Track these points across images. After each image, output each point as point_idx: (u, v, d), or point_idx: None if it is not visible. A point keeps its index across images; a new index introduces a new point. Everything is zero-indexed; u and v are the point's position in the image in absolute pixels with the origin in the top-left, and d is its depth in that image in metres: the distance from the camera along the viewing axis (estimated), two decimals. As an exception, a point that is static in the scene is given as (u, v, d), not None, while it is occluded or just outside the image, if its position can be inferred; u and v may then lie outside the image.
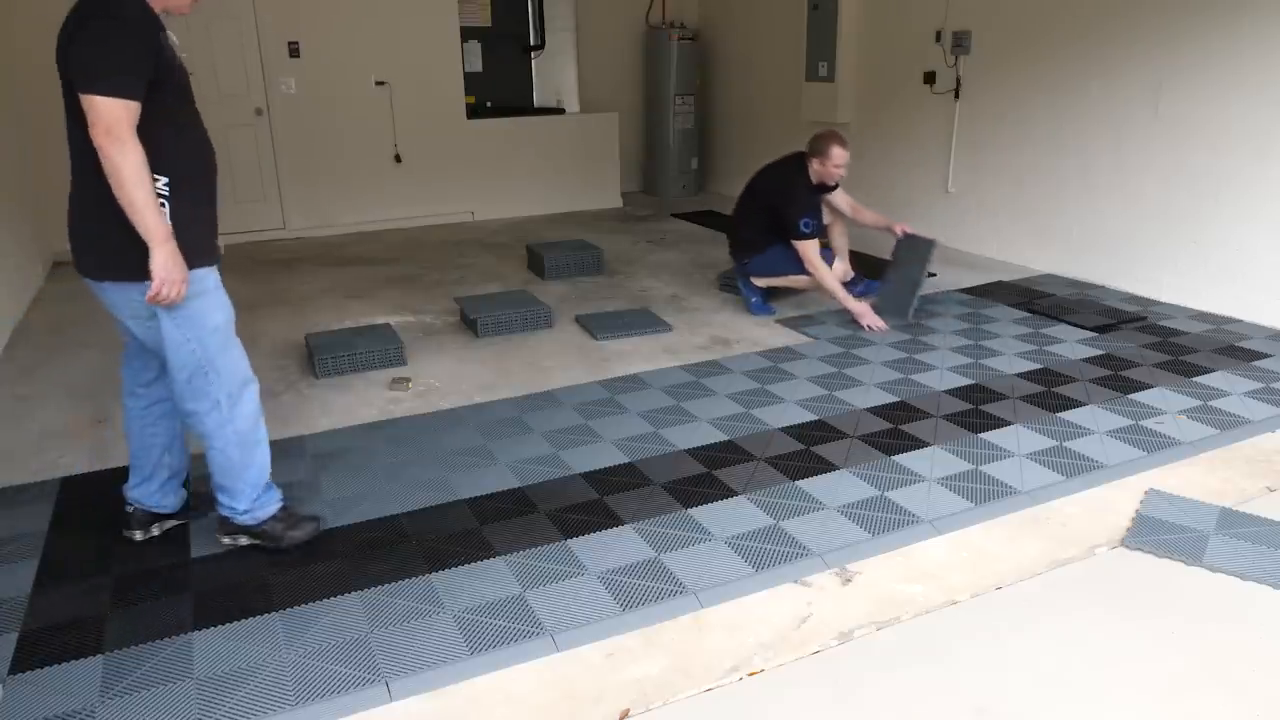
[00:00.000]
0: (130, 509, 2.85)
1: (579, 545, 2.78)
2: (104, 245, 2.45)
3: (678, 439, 3.51)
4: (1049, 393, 3.90)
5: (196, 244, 2.48)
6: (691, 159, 9.08)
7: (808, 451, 3.39)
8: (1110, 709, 2.11)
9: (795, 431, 3.56)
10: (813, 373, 4.18)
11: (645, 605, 2.48)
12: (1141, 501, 3.02)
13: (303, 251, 6.98)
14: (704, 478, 3.19)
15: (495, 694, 2.19)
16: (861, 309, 4.80)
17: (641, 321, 4.95)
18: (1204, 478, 3.19)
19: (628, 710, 2.13)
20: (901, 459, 3.32)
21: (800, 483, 3.14)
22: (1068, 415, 3.67)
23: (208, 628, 2.42)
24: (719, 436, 3.53)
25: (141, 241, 2.37)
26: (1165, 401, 3.79)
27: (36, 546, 2.83)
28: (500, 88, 8.49)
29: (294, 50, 7.21)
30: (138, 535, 2.84)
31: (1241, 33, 4.65)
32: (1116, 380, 4.03)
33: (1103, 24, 5.33)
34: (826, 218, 5.15)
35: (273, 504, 2.77)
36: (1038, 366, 4.22)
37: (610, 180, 8.66)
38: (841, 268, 5.26)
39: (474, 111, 8.09)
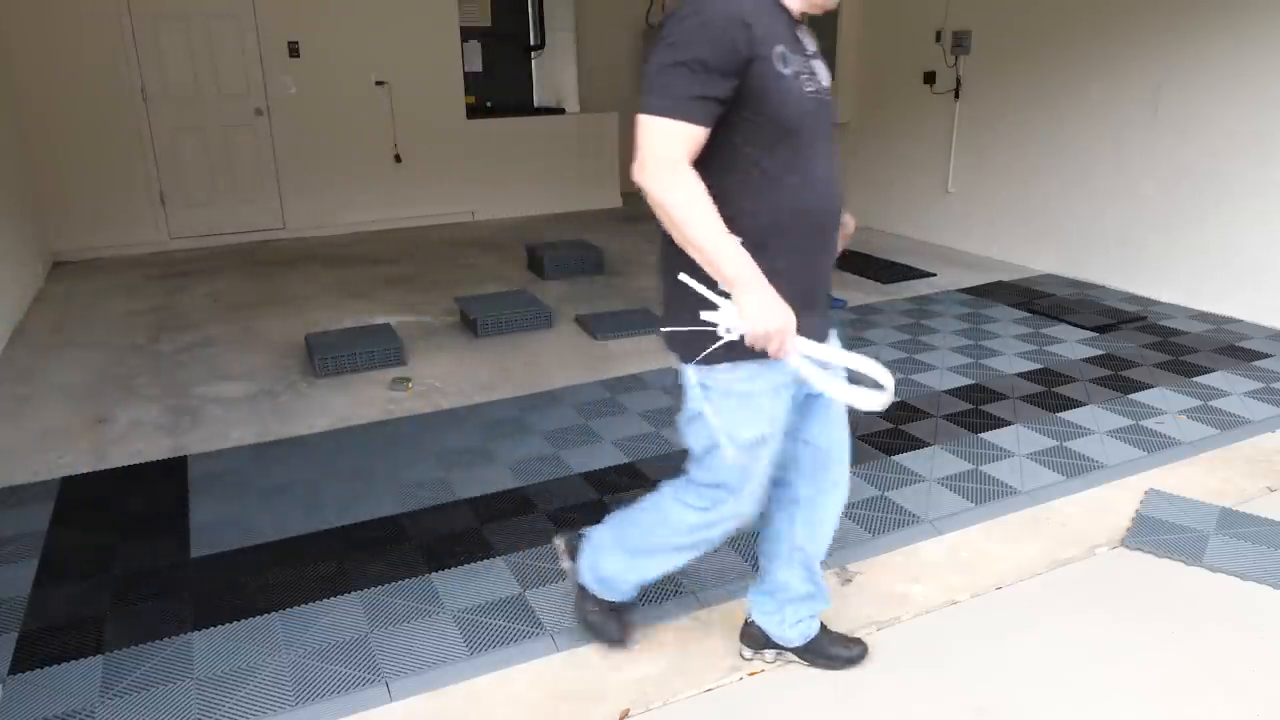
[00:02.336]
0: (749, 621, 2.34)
1: (579, 545, 2.78)
2: (664, 296, 1.97)
3: (678, 439, 3.50)
4: (1049, 393, 3.90)
5: None
6: (691, 159, 9.07)
7: (808, 451, 3.38)
8: (1110, 709, 2.11)
9: (795, 431, 3.56)
10: (813, 373, 4.18)
11: (644, 605, 2.48)
12: (1141, 501, 3.02)
13: (303, 251, 6.97)
14: (704, 478, 3.19)
15: (495, 694, 2.19)
16: None
17: (641, 321, 4.95)
18: (1204, 478, 3.19)
19: (628, 710, 2.13)
20: (901, 459, 3.32)
21: (800, 483, 3.14)
22: (1068, 415, 3.67)
23: (208, 628, 2.42)
24: (719, 436, 3.52)
25: (681, 306, 1.90)
26: (1165, 401, 3.79)
27: (36, 546, 2.83)
28: (500, 88, 8.50)
29: (294, 50, 7.21)
30: (746, 653, 2.33)
31: (1243, 33, 4.64)
32: (1116, 380, 4.03)
33: (1103, 24, 5.33)
34: None
35: (611, 594, 2.29)
36: (1038, 366, 4.22)
37: (610, 180, 8.66)
38: None
39: (474, 111, 8.09)
